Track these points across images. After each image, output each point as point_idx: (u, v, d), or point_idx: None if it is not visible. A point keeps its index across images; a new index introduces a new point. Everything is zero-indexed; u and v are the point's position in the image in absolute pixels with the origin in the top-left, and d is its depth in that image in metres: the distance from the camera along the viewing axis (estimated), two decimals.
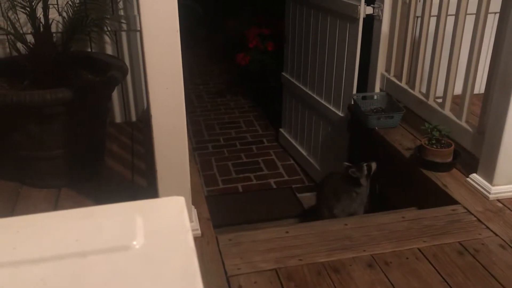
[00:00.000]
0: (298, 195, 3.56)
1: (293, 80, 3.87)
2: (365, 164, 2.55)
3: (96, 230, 0.78)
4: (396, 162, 2.74)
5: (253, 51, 4.86)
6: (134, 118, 3.31)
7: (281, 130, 4.27)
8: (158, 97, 1.75)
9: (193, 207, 2.08)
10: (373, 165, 2.56)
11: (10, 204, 2.30)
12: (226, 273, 1.79)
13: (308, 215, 3.16)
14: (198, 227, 2.03)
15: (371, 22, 3.05)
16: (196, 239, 1.87)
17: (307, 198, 3.45)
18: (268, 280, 1.76)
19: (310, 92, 3.60)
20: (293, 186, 3.69)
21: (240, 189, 3.66)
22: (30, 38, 2.46)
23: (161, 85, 1.73)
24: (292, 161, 4.03)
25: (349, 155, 3.24)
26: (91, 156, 2.51)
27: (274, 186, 3.71)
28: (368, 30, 3.01)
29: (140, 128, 3.16)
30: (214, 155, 4.15)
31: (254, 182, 3.77)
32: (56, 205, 2.27)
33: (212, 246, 1.95)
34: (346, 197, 2.64)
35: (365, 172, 2.54)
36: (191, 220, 1.94)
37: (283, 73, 4.05)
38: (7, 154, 2.42)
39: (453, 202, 2.27)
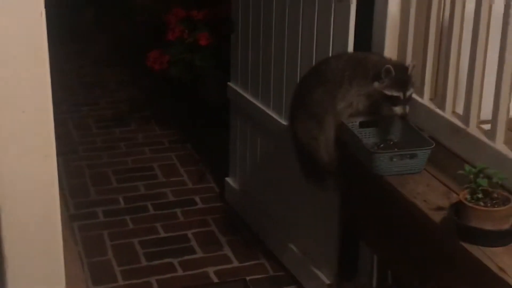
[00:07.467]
0: None
1: (247, 96, 3.10)
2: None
3: None
4: (419, 231, 2.27)
5: (176, 46, 3.88)
6: None
7: (228, 180, 3.38)
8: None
9: None
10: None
11: None
12: None
13: None
14: None
15: (370, 0, 2.44)
16: None
17: None
18: None
19: (275, 116, 2.85)
20: (248, 278, 2.79)
21: (155, 286, 2.74)
22: None
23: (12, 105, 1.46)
24: (247, 233, 3.09)
25: (342, 220, 2.46)
26: None
27: (215, 279, 2.80)
28: (366, 13, 2.42)
29: None
30: (108, 227, 3.12)
31: (180, 273, 2.83)
32: None
33: None
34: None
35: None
36: None
37: (230, 84, 3.27)
38: None
39: None
